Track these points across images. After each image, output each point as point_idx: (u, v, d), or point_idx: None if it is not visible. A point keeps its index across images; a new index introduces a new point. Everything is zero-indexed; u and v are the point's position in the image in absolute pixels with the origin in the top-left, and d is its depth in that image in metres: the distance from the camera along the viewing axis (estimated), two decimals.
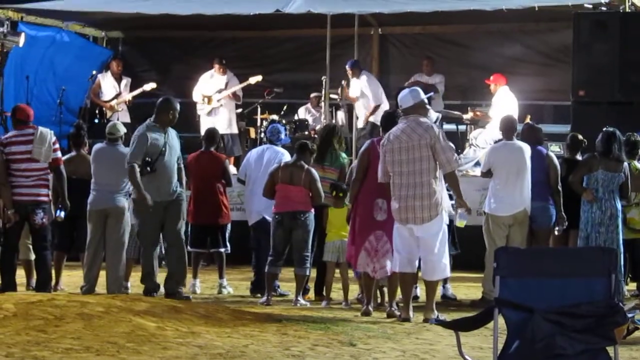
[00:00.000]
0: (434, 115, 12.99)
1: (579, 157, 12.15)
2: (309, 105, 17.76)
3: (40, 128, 11.12)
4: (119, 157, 11.21)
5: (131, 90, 17.20)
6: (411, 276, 10.23)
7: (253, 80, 16.78)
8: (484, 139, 15.26)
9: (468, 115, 16.06)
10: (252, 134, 17.30)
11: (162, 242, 11.34)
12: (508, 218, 11.45)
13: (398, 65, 18.41)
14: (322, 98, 16.81)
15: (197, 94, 16.89)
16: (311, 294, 11.89)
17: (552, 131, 15.17)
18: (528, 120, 14.36)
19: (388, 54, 18.61)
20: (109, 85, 17.23)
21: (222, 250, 12.42)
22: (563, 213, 11.54)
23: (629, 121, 13.04)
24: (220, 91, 16.78)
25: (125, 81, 17.32)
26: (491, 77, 15.77)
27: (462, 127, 16.32)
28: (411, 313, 10.06)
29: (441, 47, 18.22)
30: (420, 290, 11.44)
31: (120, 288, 11.33)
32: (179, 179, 11.17)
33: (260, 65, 18.42)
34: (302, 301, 11.37)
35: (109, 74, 17.35)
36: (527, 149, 11.51)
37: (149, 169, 10.87)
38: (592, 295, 5.79)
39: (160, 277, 11.19)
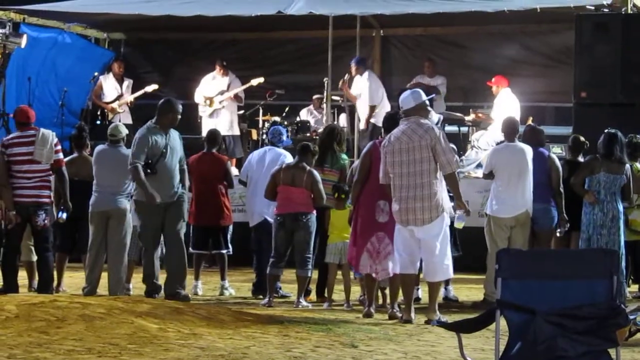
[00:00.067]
0: (435, 117, 12.96)
1: (580, 158, 12.13)
2: (311, 107, 17.75)
3: (42, 130, 11.13)
4: (120, 158, 11.21)
5: (133, 91, 17.21)
6: (412, 277, 10.20)
7: (255, 82, 16.79)
8: (485, 141, 15.25)
9: (470, 117, 16.06)
10: (254, 136, 17.28)
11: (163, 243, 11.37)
12: (510, 220, 11.44)
13: (400, 66, 18.37)
14: (324, 100, 16.80)
15: (198, 96, 16.89)
16: (313, 296, 11.88)
17: (554, 133, 15.13)
18: (530, 122, 14.34)
19: (390, 56, 18.57)
20: (110, 87, 17.23)
21: (224, 251, 12.42)
22: (565, 215, 11.52)
23: (631, 123, 13.01)
24: (222, 93, 16.78)
25: (127, 83, 17.33)
26: (493, 79, 15.75)
27: (464, 129, 16.33)
28: (413, 315, 10.05)
29: (443, 48, 18.20)
30: (422, 292, 11.45)
31: (122, 289, 11.34)
32: (182, 181, 11.17)
33: (261, 66, 18.40)
34: (303, 303, 11.35)
35: (110, 75, 17.36)
36: (529, 150, 11.50)
37: (149, 170, 10.87)
38: (594, 297, 5.79)
39: (161, 278, 11.19)
